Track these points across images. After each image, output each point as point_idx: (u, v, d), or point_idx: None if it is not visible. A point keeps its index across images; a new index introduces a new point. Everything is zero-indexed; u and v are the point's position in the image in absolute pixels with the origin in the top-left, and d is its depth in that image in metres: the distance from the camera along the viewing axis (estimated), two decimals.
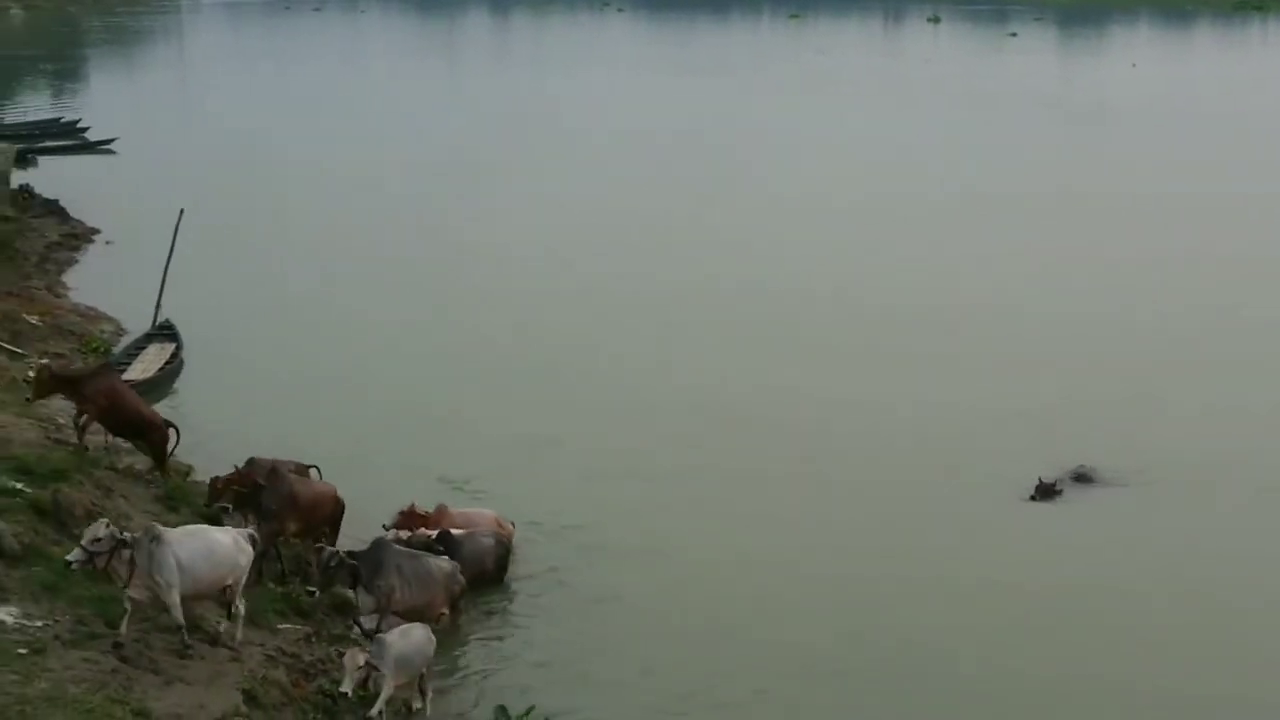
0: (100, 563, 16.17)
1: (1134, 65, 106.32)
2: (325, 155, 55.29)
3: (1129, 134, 69.20)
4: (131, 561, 16.10)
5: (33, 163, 51.30)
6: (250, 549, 17.44)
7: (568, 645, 20.13)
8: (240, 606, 17.50)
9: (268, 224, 43.53)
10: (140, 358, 30.81)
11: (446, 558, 20.04)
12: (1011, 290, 37.81)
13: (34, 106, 67.93)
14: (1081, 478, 25.78)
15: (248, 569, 17.39)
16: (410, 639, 17.13)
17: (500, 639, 20.32)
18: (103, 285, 36.27)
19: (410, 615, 18.68)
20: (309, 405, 28.76)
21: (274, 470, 20.84)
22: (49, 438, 22.95)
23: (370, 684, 16.53)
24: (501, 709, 17.39)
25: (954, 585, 21.87)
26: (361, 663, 16.28)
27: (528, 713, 17.40)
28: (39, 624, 16.64)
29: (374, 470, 24.77)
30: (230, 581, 17.06)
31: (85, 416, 22.02)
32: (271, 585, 19.73)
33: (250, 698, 16.35)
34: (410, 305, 36.02)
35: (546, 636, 20.37)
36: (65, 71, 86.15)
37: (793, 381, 30.15)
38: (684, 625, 20.74)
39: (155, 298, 32.69)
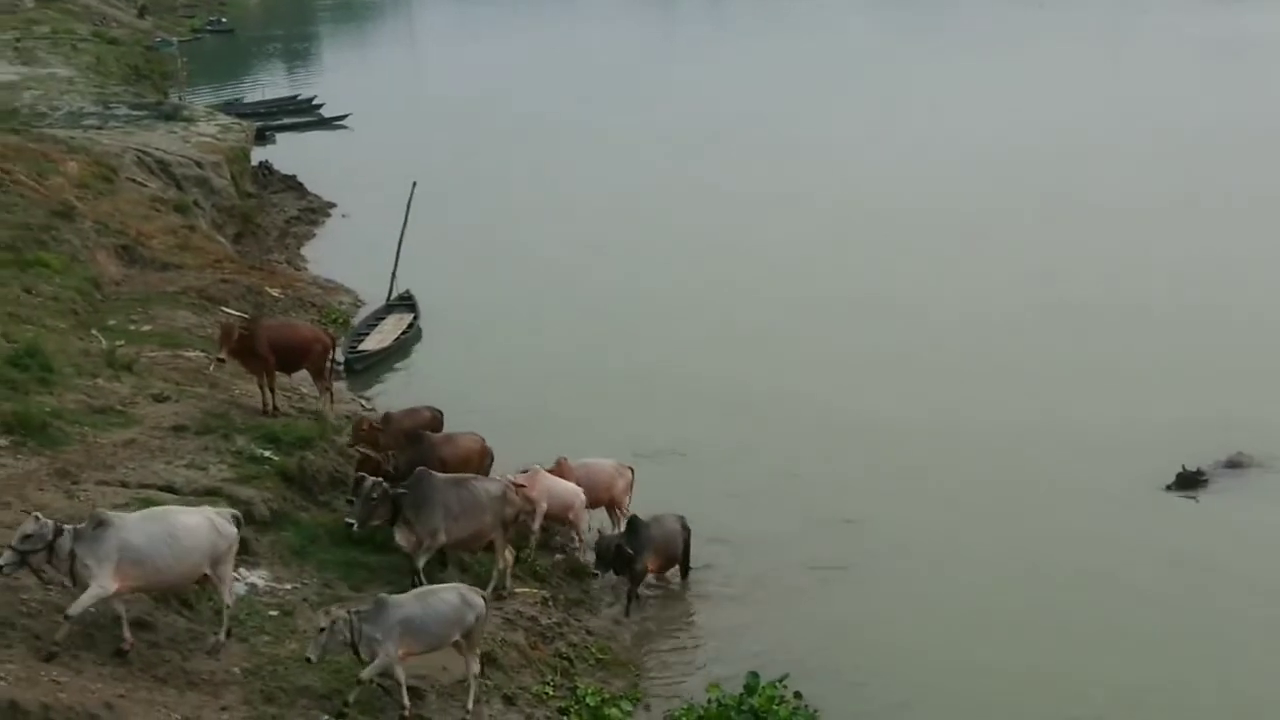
0: (36, 561, 13.91)
1: None
2: (558, 125, 55.55)
3: None
4: (71, 555, 13.88)
5: (271, 140, 52.88)
6: (233, 530, 15.14)
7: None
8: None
9: (498, 195, 44.06)
10: (379, 327, 31.69)
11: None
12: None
13: (271, 85, 69.95)
14: (1234, 465, 24.14)
15: (231, 553, 15.18)
16: (429, 604, 15.25)
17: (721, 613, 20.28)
18: (340, 258, 37.25)
19: (460, 546, 18.20)
20: (541, 371, 29.10)
21: (418, 437, 20.16)
22: (293, 406, 23.72)
23: (362, 650, 14.62)
24: (754, 674, 17.34)
25: (1089, 575, 20.76)
26: (324, 624, 14.39)
27: (782, 679, 17.32)
28: (288, 587, 17.24)
29: (600, 435, 24.85)
30: (208, 569, 14.84)
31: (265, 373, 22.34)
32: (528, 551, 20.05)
33: (490, 659, 16.66)
34: (649, 275, 35.67)
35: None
36: (299, 50, 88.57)
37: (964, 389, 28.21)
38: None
39: (391, 269, 33.51)
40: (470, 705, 15.50)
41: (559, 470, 21.16)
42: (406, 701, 14.94)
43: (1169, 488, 23.45)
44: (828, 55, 75.58)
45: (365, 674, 14.65)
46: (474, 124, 55.39)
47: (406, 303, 33.13)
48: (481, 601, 15.58)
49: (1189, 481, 23.41)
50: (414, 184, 35.45)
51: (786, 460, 24.81)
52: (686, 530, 20.51)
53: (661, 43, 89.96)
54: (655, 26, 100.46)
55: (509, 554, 18.68)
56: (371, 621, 14.60)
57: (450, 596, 15.45)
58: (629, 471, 22.01)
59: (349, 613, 14.65)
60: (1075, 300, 32.35)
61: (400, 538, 17.59)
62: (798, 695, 17.27)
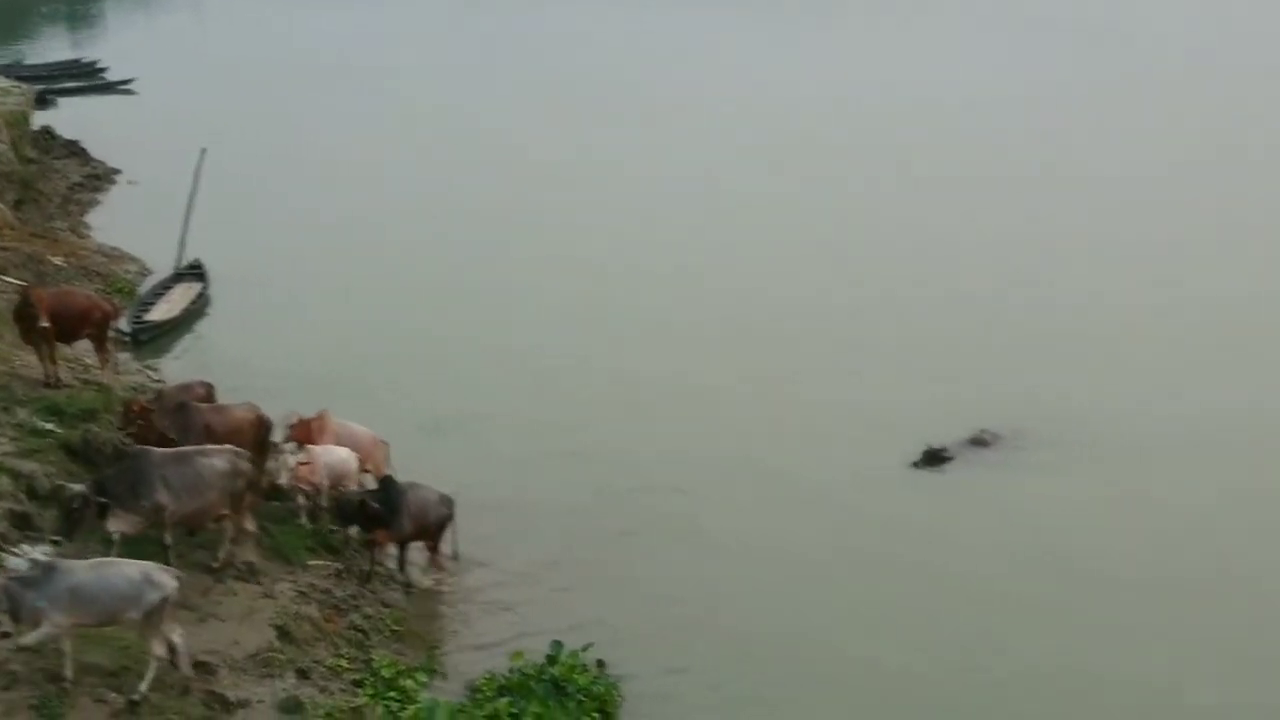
0: None
1: None
2: (344, 95, 54.71)
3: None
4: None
5: (52, 104, 51.12)
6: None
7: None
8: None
9: (289, 163, 43.23)
10: (166, 297, 30.94)
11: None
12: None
13: (52, 48, 67.61)
14: (978, 442, 24.41)
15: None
16: (104, 575, 14.36)
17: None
18: (126, 226, 36.18)
19: (187, 521, 17.56)
20: (332, 340, 28.77)
21: (182, 406, 19.74)
22: (77, 378, 23.10)
23: (24, 616, 13.97)
24: (557, 643, 17.43)
25: (820, 556, 21.08)
26: None
27: (585, 648, 17.42)
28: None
29: (387, 402, 24.93)
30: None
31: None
32: (303, 522, 19.83)
33: (283, 633, 16.50)
34: (453, 247, 35.22)
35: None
36: (82, 12, 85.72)
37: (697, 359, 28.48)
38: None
39: (179, 237, 32.75)
40: (143, 687, 14.45)
41: (318, 423, 20.75)
42: (69, 673, 14.28)
43: (916, 465, 23.82)
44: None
45: (25, 641, 14.04)
46: (272, 91, 54.18)
47: (195, 272, 32.39)
48: (172, 584, 14.59)
49: (935, 458, 23.80)
50: (203, 150, 34.65)
51: (586, 430, 24.86)
52: (448, 506, 19.97)
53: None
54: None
55: (250, 524, 18.11)
56: (37, 588, 13.88)
57: (131, 571, 14.52)
58: (385, 445, 21.64)
59: (6, 578, 13.96)
60: (832, 278, 32.68)
61: (116, 524, 16.69)
62: (600, 664, 17.46)
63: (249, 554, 18.16)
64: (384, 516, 19.11)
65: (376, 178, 41.39)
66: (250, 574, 17.81)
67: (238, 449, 18.17)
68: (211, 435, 19.03)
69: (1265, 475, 23.04)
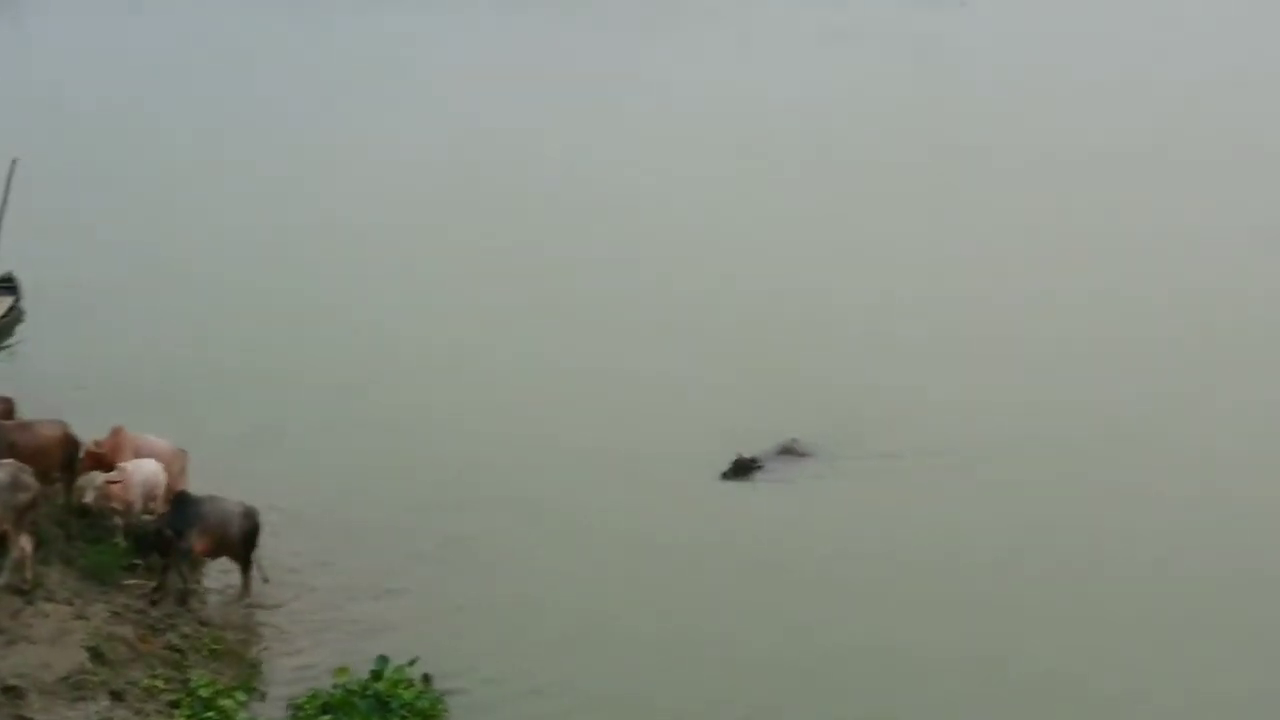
0: None
1: (962, 3, 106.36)
2: (160, 102, 53.69)
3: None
4: None
5: None
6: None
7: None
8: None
9: (106, 175, 42.28)
10: None
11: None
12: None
13: None
14: (788, 451, 24.34)
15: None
16: None
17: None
18: None
19: None
20: (148, 354, 28.34)
21: None
22: None
23: None
24: (383, 658, 17.29)
25: (637, 567, 21.02)
26: None
27: (411, 663, 17.32)
28: None
29: (203, 416, 24.59)
30: None
31: None
32: (119, 541, 19.38)
33: (96, 655, 16.15)
34: (267, 264, 34.67)
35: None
36: None
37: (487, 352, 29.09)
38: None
39: None
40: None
41: (115, 440, 20.20)
42: None
43: (725, 475, 23.72)
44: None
45: None
46: (85, 103, 52.87)
47: (7, 285, 31.52)
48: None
49: (744, 469, 23.70)
50: (14, 162, 33.66)
51: (408, 443, 24.72)
52: (250, 519, 19.40)
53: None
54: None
55: (26, 543, 17.48)
56: None
57: None
58: (184, 455, 21.07)
59: None
60: (635, 286, 32.94)
61: None
62: (427, 678, 17.36)
63: (24, 572, 17.49)
64: (180, 539, 18.60)
65: (196, 194, 40.64)
66: (23, 594, 17.23)
67: (20, 463, 17.71)
68: (16, 453, 18.48)
69: (1077, 470, 23.74)
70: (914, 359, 28.43)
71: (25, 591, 17.27)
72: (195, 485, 20.24)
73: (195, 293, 32.21)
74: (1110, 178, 42.28)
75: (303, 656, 18.53)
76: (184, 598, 18.76)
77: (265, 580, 19.74)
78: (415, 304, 31.84)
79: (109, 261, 34.04)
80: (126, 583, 18.44)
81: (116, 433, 20.41)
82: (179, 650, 17.43)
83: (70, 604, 17.33)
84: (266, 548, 19.84)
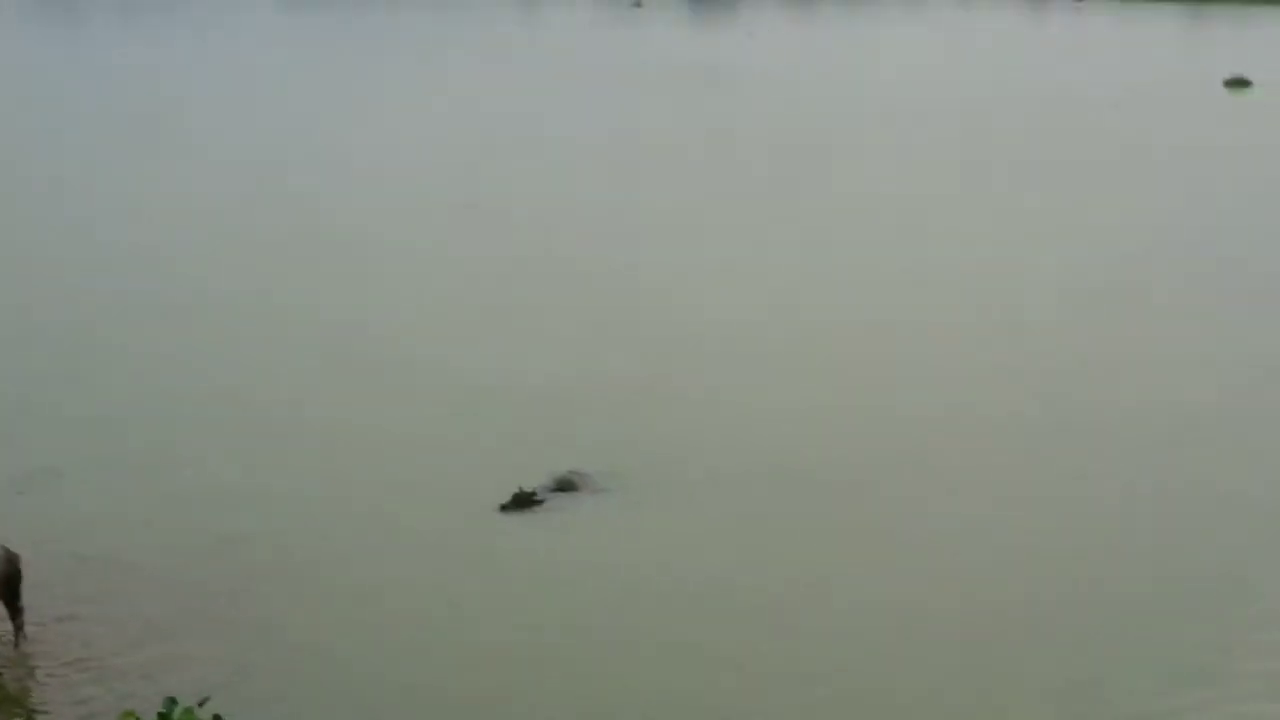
0: None
1: (750, 35, 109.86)
2: None
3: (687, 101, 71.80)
4: None
5: None
6: None
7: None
8: None
9: None
10: None
11: None
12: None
13: None
14: (566, 484, 23.97)
15: None
16: None
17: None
18: None
19: None
20: None
21: None
22: None
23: None
24: (171, 700, 16.95)
25: (421, 603, 20.60)
26: None
27: (202, 703, 17.06)
28: None
29: None
30: None
31: None
32: None
33: None
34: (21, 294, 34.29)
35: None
36: None
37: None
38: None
39: None
40: None
41: None
42: None
43: (504, 508, 23.32)
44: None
45: None
46: None
47: None
48: None
49: (524, 501, 23.35)
50: None
51: (188, 476, 24.46)
52: (13, 564, 18.76)
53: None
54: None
55: None
56: None
57: None
58: None
59: None
60: (421, 318, 33.28)
61: None
62: (217, 719, 17.29)
63: None
64: None
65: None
66: None
67: None
68: None
69: (849, 501, 23.96)
70: (692, 388, 28.76)
71: None
72: None
73: None
74: (895, 217, 44.27)
75: (87, 704, 17.94)
76: None
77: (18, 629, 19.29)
78: (180, 343, 31.37)
79: None
80: None
81: None
82: None
83: None
84: (47, 591, 19.44)
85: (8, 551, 18.88)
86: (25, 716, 17.46)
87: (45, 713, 17.91)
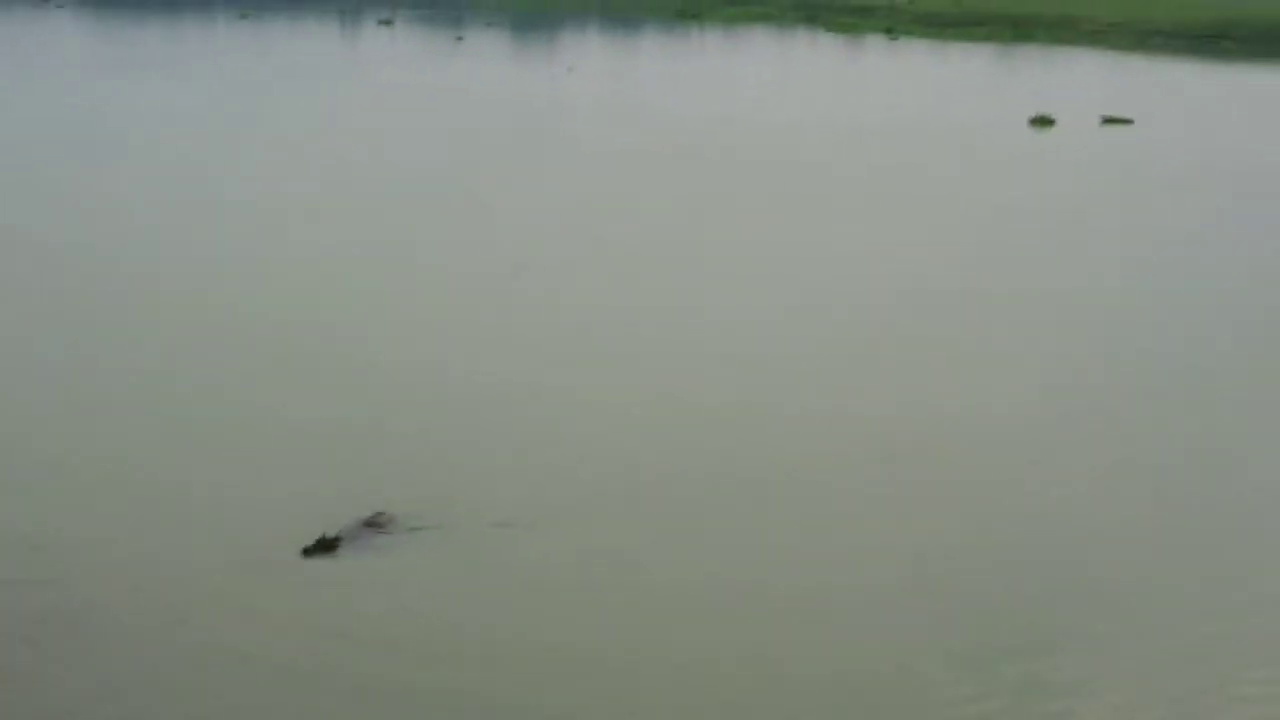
0: None
1: (570, 69, 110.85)
2: None
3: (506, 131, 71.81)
4: None
5: None
6: None
7: None
8: None
9: None
10: None
11: None
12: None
13: None
14: (373, 524, 23.33)
15: None
16: None
17: None
18: None
19: None
20: None
21: None
22: None
23: None
24: None
25: (215, 657, 19.66)
26: None
27: None
28: None
29: None
30: None
31: None
32: None
33: None
34: None
35: None
36: None
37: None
38: None
39: None
40: None
41: None
42: None
43: (308, 552, 22.49)
44: None
45: None
46: None
47: None
48: None
49: (328, 545, 22.55)
50: None
51: None
52: None
53: None
54: None
55: None
56: None
57: None
58: None
59: None
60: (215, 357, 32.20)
61: None
62: None
63: None
64: None
65: None
66: None
67: None
68: None
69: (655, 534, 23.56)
70: (500, 428, 28.07)
71: None
72: None
73: None
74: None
75: None
76: None
77: None
78: None
79: None
80: None
81: None
82: None
83: None
84: None
85: None
86: None
87: None
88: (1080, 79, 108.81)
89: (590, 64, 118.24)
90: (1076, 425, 28.44)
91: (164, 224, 45.37)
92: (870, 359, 32.32)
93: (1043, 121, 76.75)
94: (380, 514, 23.65)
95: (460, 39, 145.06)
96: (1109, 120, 77.60)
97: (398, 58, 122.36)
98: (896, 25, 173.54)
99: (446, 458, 26.54)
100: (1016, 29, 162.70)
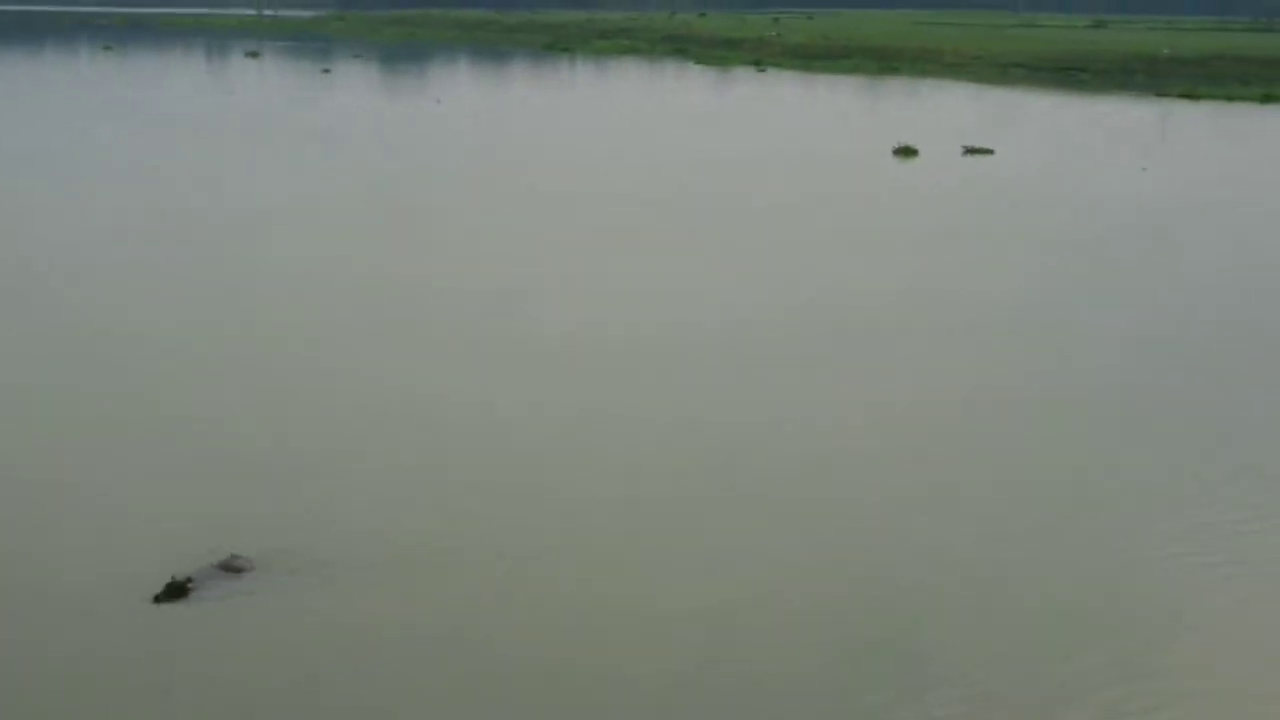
0: None
1: (439, 101, 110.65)
2: None
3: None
4: None
5: None
6: None
7: None
8: None
9: None
10: None
11: None
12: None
13: None
14: (229, 568, 22.20)
15: None
16: None
17: None
18: None
19: None
20: None
21: None
22: None
23: None
24: None
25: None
26: None
27: None
28: None
29: None
30: None
31: None
32: None
33: None
34: None
35: None
36: None
37: None
38: None
39: None
40: None
41: None
42: None
43: (158, 598, 21.47)
44: None
45: None
46: None
47: None
48: None
49: (179, 590, 21.54)
50: None
51: None
52: None
53: None
54: None
55: None
56: None
57: None
58: None
59: None
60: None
61: None
62: None
63: None
64: None
65: None
66: None
67: None
68: None
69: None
70: (370, 462, 27.28)
71: None
72: None
73: None
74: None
75: None
76: None
77: None
78: None
79: None
80: None
81: None
82: None
83: None
84: None
85: None
86: None
87: None
88: (944, 110, 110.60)
89: (459, 96, 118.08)
90: (932, 449, 28.61)
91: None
92: (714, 382, 32.36)
93: (906, 152, 77.82)
94: (234, 556, 22.53)
95: (327, 71, 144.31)
96: (971, 150, 78.89)
97: (260, 89, 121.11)
98: (765, 58, 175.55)
99: (311, 494, 25.49)
100: (882, 61, 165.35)
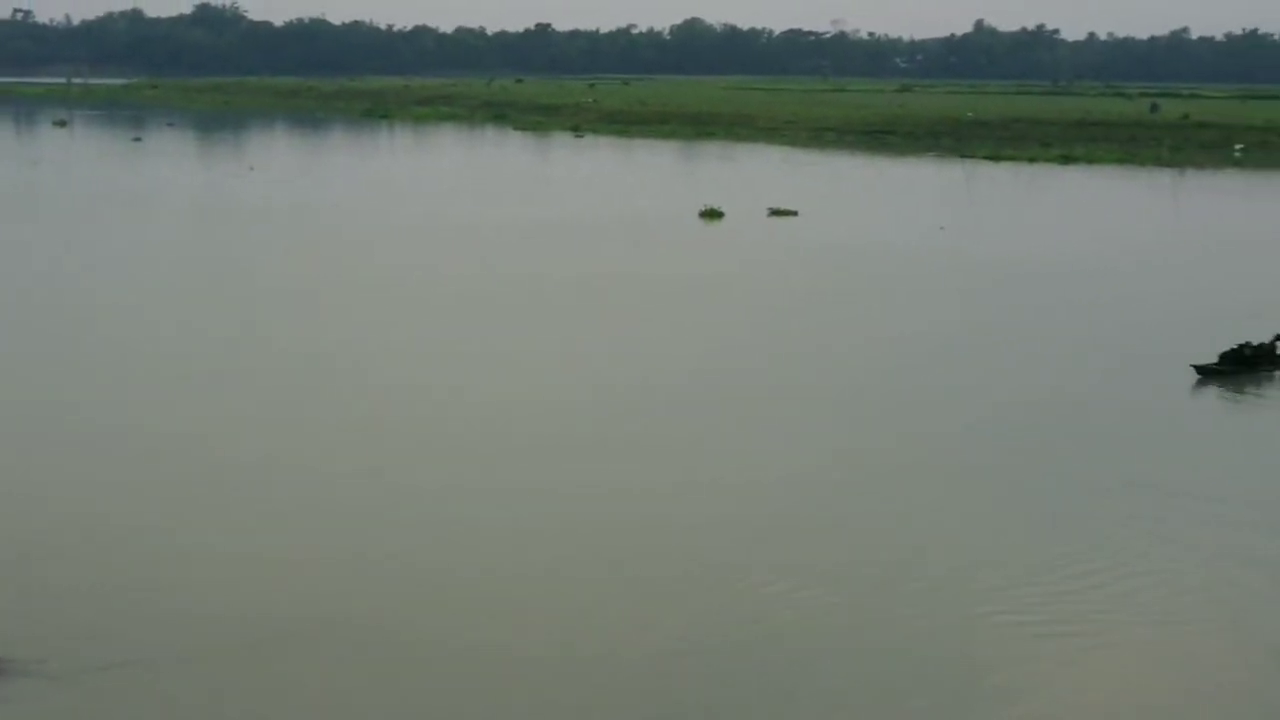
0: None
1: (251, 169, 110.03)
2: None
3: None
4: None
5: None
6: None
7: None
8: None
9: None
10: None
11: None
12: None
13: None
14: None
15: None
16: None
17: None
18: None
19: None
20: None
21: None
22: None
23: None
24: None
25: None
26: None
27: None
28: None
29: None
30: None
31: None
32: None
33: None
34: None
35: None
36: None
37: None
38: None
39: None
40: None
41: None
42: None
43: None
44: None
45: None
46: None
47: None
48: None
49: None
50: None
51: None
52: None
53: None
54: None
55: None
56: None
57: None
58: None
59: None
60: None
61: None
62: None
63: None
64: None
65: None
66: None
67: None
68: None
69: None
70: (164, 541, 25.84)
71: None
72: None
73: None
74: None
75: None
76: None
77: None
78: None
79: None
80: None
81: None
82: None
83: None
84: None
85: None
86: None
87: None
88: (754, 173, 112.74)
89: (271, 163, 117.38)
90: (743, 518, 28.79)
91: None
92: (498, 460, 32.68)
93: (712, 214, 79.24)
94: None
95: (138, 139, 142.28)
96: (775, 212, 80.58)
97: (65, 158, 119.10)
98: (583, 124, 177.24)
99: (92, 580, 23.65)
100: (698, 126, 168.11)
